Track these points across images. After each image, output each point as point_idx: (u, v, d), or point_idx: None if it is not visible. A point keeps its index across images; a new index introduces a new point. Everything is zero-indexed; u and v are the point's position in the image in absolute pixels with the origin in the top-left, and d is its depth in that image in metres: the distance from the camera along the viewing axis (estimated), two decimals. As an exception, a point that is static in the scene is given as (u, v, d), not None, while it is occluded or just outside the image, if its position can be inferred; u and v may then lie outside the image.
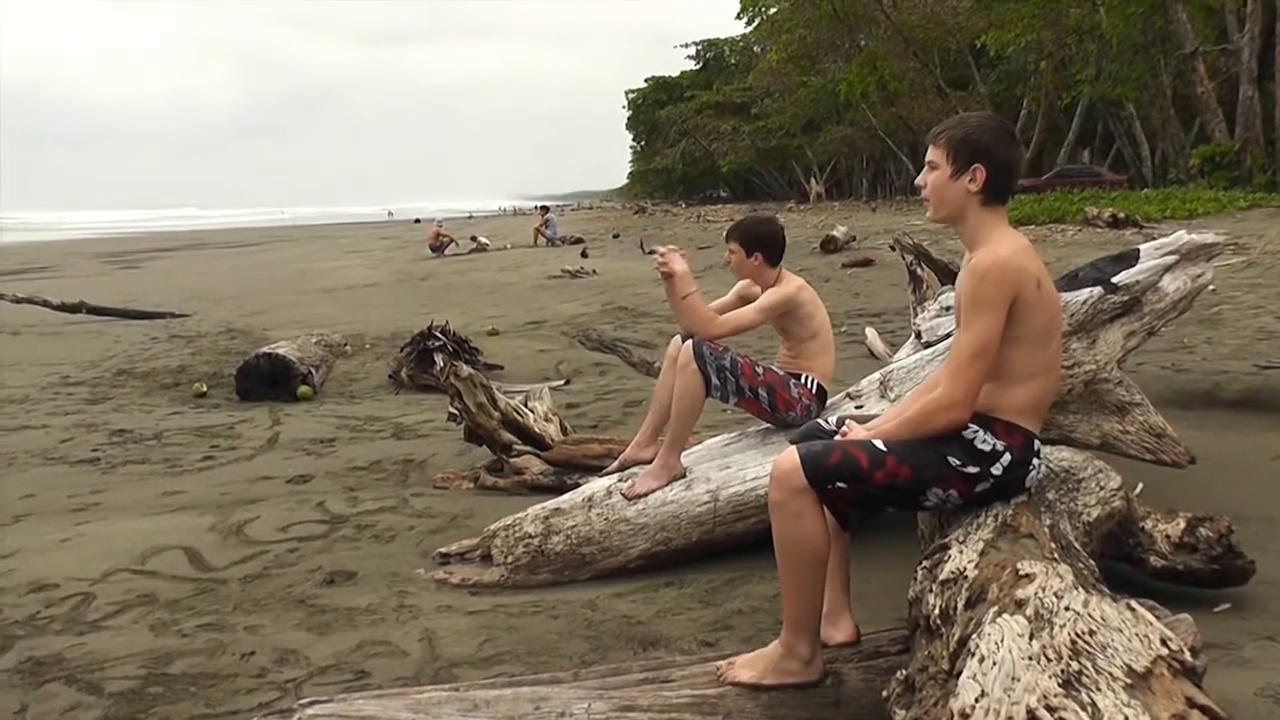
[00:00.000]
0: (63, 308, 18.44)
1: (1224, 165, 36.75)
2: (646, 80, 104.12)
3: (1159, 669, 2.25)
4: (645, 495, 5.37)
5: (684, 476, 5.43)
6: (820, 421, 3.80)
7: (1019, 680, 2.17)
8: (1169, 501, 4.80)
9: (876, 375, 5.76)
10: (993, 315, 3.18)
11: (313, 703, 3.15)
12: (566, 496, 5.57)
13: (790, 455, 3.27)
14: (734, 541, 5.36)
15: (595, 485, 5.59)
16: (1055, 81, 49.14)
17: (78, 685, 4.23)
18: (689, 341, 5.41)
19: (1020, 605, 2.49)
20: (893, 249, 22.38)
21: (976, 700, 2.15)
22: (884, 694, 2.76)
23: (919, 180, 3.50)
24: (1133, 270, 5.81)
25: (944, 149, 3.39)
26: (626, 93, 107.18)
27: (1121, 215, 24.35)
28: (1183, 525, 4.54)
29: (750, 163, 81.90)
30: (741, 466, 5.43)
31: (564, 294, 19.26)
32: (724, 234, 5.70)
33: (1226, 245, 8.08)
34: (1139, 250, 6.07)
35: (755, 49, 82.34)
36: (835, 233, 25.86)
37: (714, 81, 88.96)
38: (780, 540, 3.30)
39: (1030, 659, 2.25)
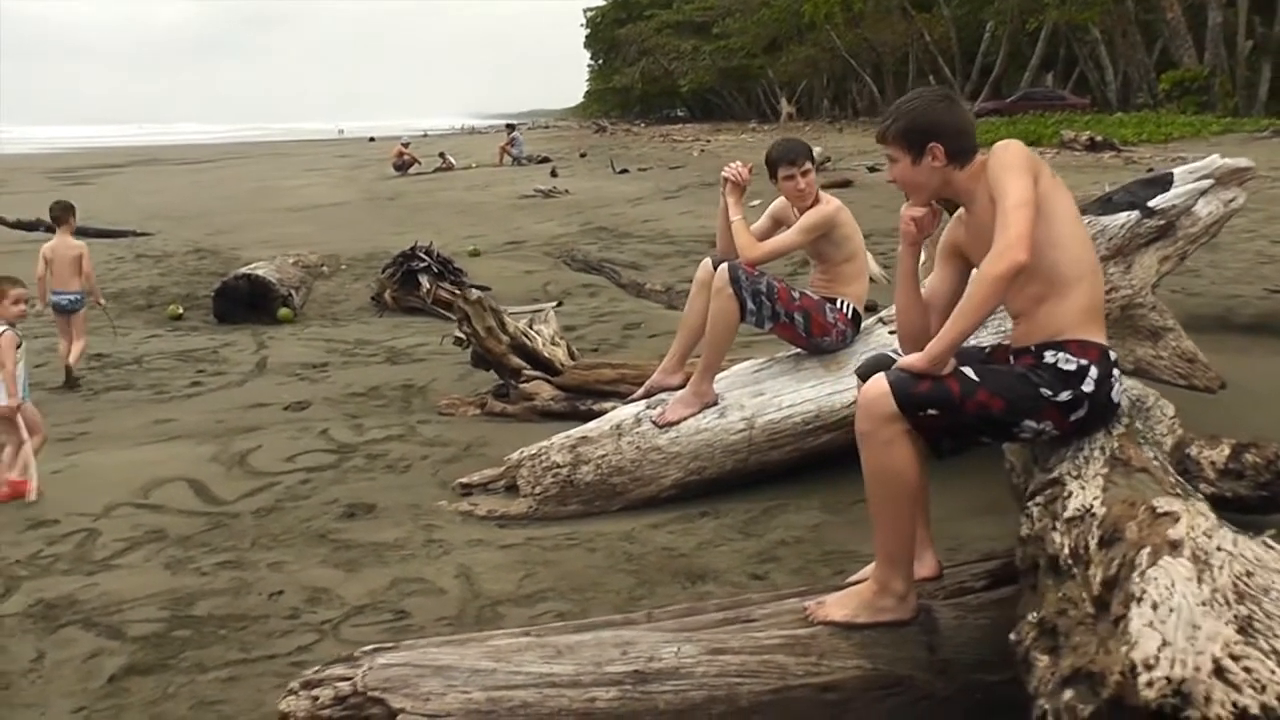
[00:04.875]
0: (19, 225, 17.79)
1: (1193, 90, 36.83)
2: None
3: (1331, 612, 2.11)
4: (677, 423, 5.19)
5: (716, 404, 5.24)
6: (890, 352, 3.59)
7: (1200, 628, 2.03)
8: (1194, 427, 4.65)
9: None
10: (1023, 176, 3.13)
11: (378, 650, 2.95)
12: (593, 424, 5.37)
13: (879, 382, 3.09)
14: (768, 470, 5.23)
15: (623, 412, 5.39)
16: (1021, 5, 48.65)
17: (97, 629, 4.03)
18: (724, 266, 5.21)
19: (1176, 546, 2.32)
20: (872, 171, 22.30)
21: (1159, 650, 2.00)
22: (1012, 637, 2.59)
23: (888, 177, 3.50)
24: (1168, 194, 5.69)
25: (896, 143, 3.36)
26: (585, 11, 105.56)
27: (1099, 139, 24.24)
28: (1227, 451, 4.43)
29: (710, 83, 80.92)
30: (776, 393, 5.26)
31: (540, 213, 18.92)
32: (787, 161, 5.34)
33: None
34: (1172, 174, 5.93)
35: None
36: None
37: (674, 0, 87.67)
38: (871, 471, 3.14)
39: (1204, 604, 2.10)
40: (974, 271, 3.57)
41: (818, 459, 5.20)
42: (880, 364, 3.42)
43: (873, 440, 3.09)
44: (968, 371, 3.11)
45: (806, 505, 4.97)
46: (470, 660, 2.87)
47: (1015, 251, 3.01)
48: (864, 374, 3.44)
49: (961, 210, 3.49)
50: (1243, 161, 6.11)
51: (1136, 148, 23.77)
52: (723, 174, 5.44)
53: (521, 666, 2.85)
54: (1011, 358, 3.30)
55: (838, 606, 3.13)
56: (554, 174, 27.22)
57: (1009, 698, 2.87)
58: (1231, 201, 5.87)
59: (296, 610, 4.10)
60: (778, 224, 5.52)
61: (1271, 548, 2.34)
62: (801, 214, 5.35)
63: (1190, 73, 37.61)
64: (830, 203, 5.35)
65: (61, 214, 9.03)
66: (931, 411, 3.06)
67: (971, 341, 3.43)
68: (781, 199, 5.52)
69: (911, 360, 3.11)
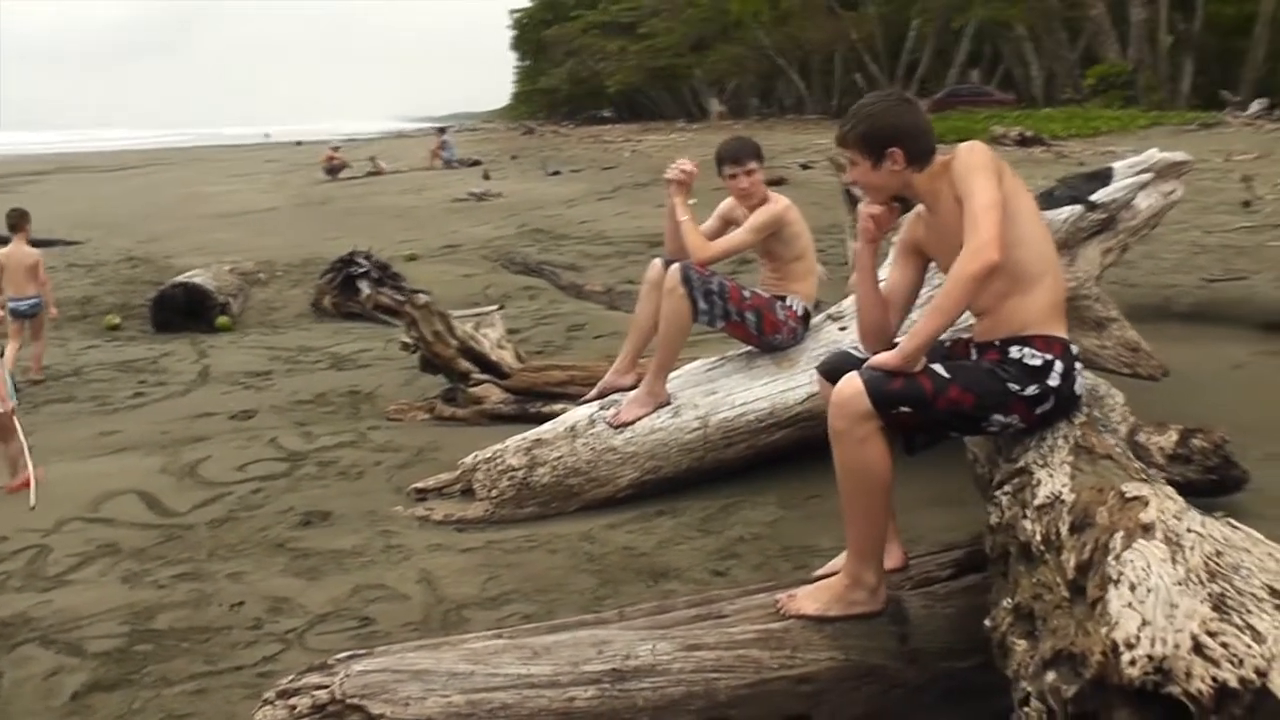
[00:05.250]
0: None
1: (1118, 85, 37.54)
2: (532, 0, 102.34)
3: (1301, 588, 2.17)
4: (632, 423, 5.21)
5: (669, 403, 5.26)
6: (850, 349, 3.64)
7: (1178, 607, 2.08)
8: (1140, 414, 4.77)
9: (860, 295, 5.60)
10: (990, 177, 3.19)
11: (351, 657, 2.94)
12: (548, 426, 5.37)
13: (852, 381, 3.13)
14: (723, 468, 5.26)
15: (576, 414, 5.40)
16: (946, 3, 49.22)
17: (56, 646, 3.96)
18: (676, 266, 5.22)
19: (1148, 529, 2.38)
20: (805, 168, 22.48)
21: (1140, 629, 2.05)
22: (988, 623, 2.67)
23: (848, 178, 3.52)
24: (1109, 188, 5.85)
25: (854, 148, 3.41)
26: (511, 12, 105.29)
27: (1029, 134, 24.59)
28: (1175, 437, 4.54)
29: (637, 83, 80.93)
30: (729, 392, 5.29)
31: (474, 217, 18.85)
32: (731, 160, 5.38)
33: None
34: (1112, 169, 6.07)
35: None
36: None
37: (599, 1, 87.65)
38: (844, 468, 3.18)
39: (1180, 584, 2.16)
40: (932, 265, 3.66)
41: (772, 455, 5.24)
42: (843, 361, 3.47)
43: (847, 438, 3.13)
44: (938, 369, 3.17)
45: (763, 501, 5.01)
46: (448, 664, 2.87)
47: (989, 251, 3.07)
48: (826, 371, 3.49)
49: (920, 208, 3.55)
50: (1180, 155, 6.28)
51: (1066, 142, 24.16)
52: (666, 175, 5.46)
53: (499, 668, 2.85)
54: (974, 352, 3.36)
55: (810, 600, 3.17)
56: (486, 177, 27.13)
57: (978, 683, 2.96)
58: (1170, 194, 6.04)
59: (259, 620, 4.06)
60: (727, 224, 5.55)
61: (1237, 528, 2.40)
62: (750, 212, 5.39)
63: (1115, 68, 38.36)
64: (779, 201, 5.39)
65: (18, 220, 9.27)
66: (905, 409, 3.12)
67: None
68: (731, 198, 5.57)
69: (885, 359, 3.16)
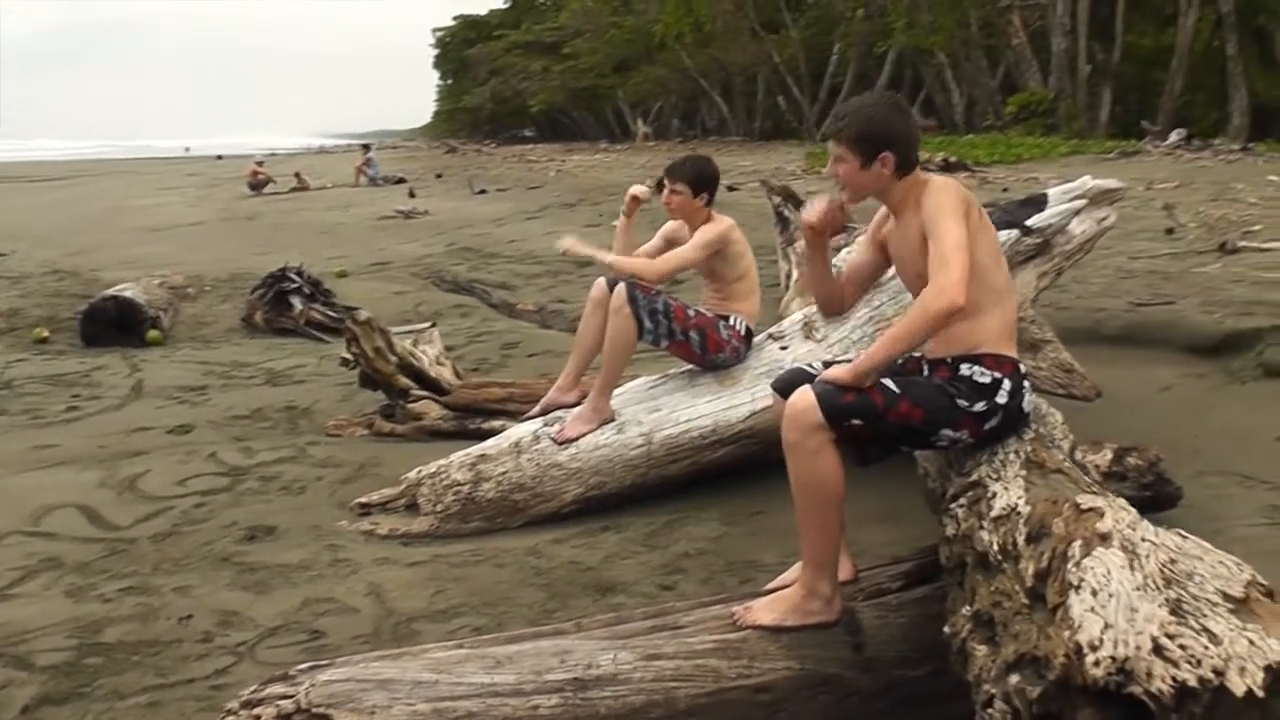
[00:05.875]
0: None
1: (1039, 113, 38.23)
2: (455, 19, 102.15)
3: (1253, 593, 2.28)
4: (576, 439, 5.26)
5: (613, 420, 5.32)
6: (804, 367, 3.73)
7: (1138, 611, 2.18)
8: (1074, 433, 4.90)
9: (799, 316, 5.72)
10: (959, 219, 3.27)
11: (315, 667, 2.96)
12: (492, 442, 5.41)
13: (805, 394, 3.23)
14: (666, 484, 5.32)
15: (520, 430, 5.44)
16: (868, 29, 49.89)
17: (3, 660, 3.91)
18: (622, 285, 5.30)
19: (1105, 538, 2.48)
20: (731, 189, 22.67)
21: (1103, 632, 2.15)
22: (947, 630, 2.76)
23: (829, 171, 3.58)
24: (1044, 214, 6.02)
25: (846, 145, 3.45)
26: (434, 31, 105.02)
27: (953, 160, 24.92)
28: (1110, 455, 4.69)
29: (560, 103, 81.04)
30: (673, 409, 5.36)
31: (402, 234, 18.77)
32: (666, 173, 5.55)
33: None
34: (1047, 195, 6.26)
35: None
36: (668, 173, 25.81)
37: (523, 21, 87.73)
38: (799, 480, 3.27)
39: (1139, 589, 2.26)
40: (894, 267, 3.77)
41: (715, 472, 5.33)
42: (796, 377, 3.56)
43: (801, 450, 3.22)
44: (889, 383, 3.27)
45: (706, 517, 5.08)
46: (412, 673, 2.90)
47: (955, 293, 3.16)
48: (780, 387, 3.58)
49: (885, 209, 3.66)
50: (1113, 182, 6.48)
51: (989, 168, 24.47)
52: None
53: (463, 677, 2.89)
54: (926, 368, 3.47)
55: (766, 611, 3.24)
56: (412, 194, 26.97)
57: (930, 690, 3.06)
58: (1103, 220, 6.23)
59: (209, 634, 4.05)
60: (670, 244, 5.63)
61: (1188, 538, 2.51)
62: (694, 232, 5.49)
63: (1036, 95, 39.06)
64: (723, 220, 5.49)
65: None
66: (856, 421, 3.21)
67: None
68: (673, 221, 5.68)
69: (838, 374, 3.26)
